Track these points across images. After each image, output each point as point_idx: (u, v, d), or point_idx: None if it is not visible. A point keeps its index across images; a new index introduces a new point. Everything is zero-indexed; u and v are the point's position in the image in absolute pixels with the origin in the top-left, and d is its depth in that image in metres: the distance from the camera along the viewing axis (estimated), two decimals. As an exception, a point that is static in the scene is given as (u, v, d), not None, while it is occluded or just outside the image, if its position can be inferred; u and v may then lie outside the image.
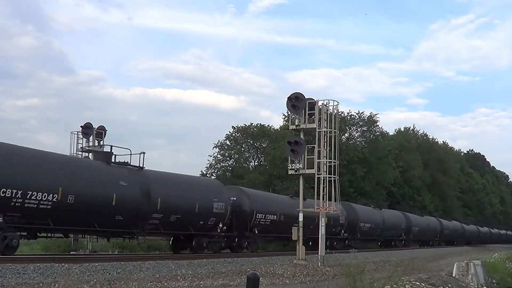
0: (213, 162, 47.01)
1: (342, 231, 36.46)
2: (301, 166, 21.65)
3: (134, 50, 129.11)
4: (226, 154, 47.84)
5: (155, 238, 28.34)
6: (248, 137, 48.23)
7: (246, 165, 47.96)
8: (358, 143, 57.27)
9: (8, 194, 16.85)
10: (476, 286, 15.15)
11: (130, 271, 15.54)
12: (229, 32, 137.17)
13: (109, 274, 14.85)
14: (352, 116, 56.97)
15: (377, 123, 58.58)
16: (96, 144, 28.00)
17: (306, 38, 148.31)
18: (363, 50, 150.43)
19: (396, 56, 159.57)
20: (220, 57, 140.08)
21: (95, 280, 13.29)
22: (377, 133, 59.22)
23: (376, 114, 58.77)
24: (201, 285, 13.25)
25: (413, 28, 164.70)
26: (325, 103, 22.18)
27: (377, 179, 56.34)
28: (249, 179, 41.03)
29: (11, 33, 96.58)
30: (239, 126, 48.53)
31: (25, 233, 18.65)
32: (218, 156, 47.36)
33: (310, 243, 31.30)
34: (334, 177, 21.64)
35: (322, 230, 21.82)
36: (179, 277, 14.91)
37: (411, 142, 73.21)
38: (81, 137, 27.72)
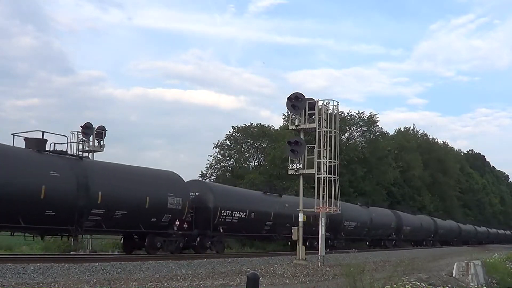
0: (213, 162, 47.04)
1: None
2: (301, 166, 21.66)
3: (134, 50, 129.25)
4: (226, 154, 47.83)
5: (99, 237, 26.12)
6: (248, 137, 48.23)
7: (246, 165, 47.96)
8: (358, 143, 57.27)
9: None
10: (476, 286, 15.15)
11: (130, 271, 15.54)
12: (229, 32, 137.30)
13: (109, 274, 14.86)
14: (352, 116, 57.02)
15: (377, 123, 58.65)
16: (96, 144, 28.05)
17: (306, 38, 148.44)
18: (363, 50, 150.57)
19: (396, 56, 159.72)
20: (220, 57, 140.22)
21: (95, 280, 13.30)
22: (377, 133, 59.24)
23: (376, 114, 58.86)
24: (201, 285, 13.25)
25: (413, 28, 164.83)
26: (325, 103, 22.19)
27: (377, 179, 56.35)
28: (249, 179, 41.05)
29: (11, 33, 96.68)
30: (239, 126, 48.57)
31: None
32: (218, 156, 47.38)
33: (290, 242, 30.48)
34: (334, 177, 21.65)
35: (322, 230, 21.84)
36: (179, 277, 14.91)
37: (411, 142, 73.23)
38: (81, 137, 27.74)
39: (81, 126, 27.81)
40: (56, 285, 12.11)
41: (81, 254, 23.75)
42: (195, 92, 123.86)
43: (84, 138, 27.87)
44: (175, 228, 23.01)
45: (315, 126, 21.80)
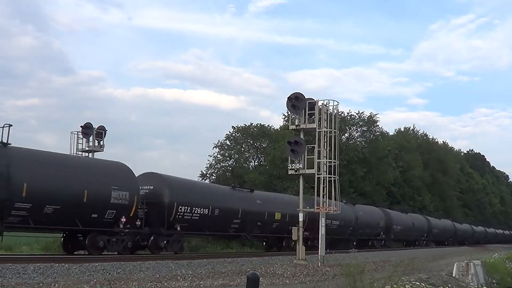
0: (213, 162, 47.09)
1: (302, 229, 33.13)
2: (301, 166, 21.65)
3: (134, 50, 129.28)
4: (226, 154, 47.87)
5: (27, 235, 23.26)
6: (248, 137, 48.27)
7: (246, 165, 47.99)
8: (358, 143, 57.35)
9: None
10: (476, 286, 15.14)
11: (130, 271, 15.54)
12: (229, 32, 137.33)
13: (109, 274, 14.86)
14: (352, 116, 57.11)
15: (377, 123, 58.80)
16: (96, 144, 28.03)
17: (306, 38, 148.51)
18: (363, 50, 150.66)
19: (396, 56, 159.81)
20: (220, 57, 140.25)
21: (95, 280, 13.29)
22: (377, 133, 59.33)
23: (376, 114, 58.99)
24: (201, 285, 13.24)
25: (413, 28, 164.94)
26: (325, 103, 22.19)
27: (377, 179, 56.40)
28: (249, 179, 41.07)
29: (11, 33, 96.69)
30: (239, 126, 48.63)
31: None
32: (218, 156, 47.42)
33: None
34: (334, 177, 21.65)
35: (322, 230, 21.83)
36: (179, 277, 14.91)
37: (411, 142, 73.28)
38: (81, 137, 27.74)
39: (81, 126, 27.78)
40: (56, 285, 12.11)
41: (81, 254, 23.71)
42: (195, 92, 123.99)
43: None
44: (121, 226, 20.70)
45: (315, 126, 21.80)
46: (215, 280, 14.44)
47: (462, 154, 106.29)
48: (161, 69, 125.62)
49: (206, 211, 24.46)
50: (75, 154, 27.09)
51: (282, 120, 50.36)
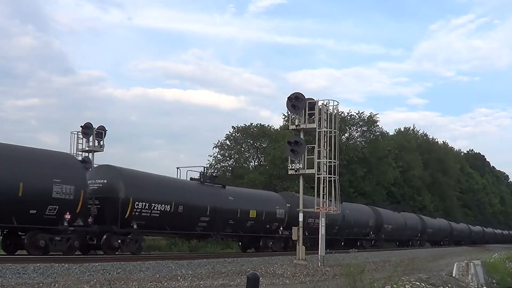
0: (213, 162, 47.14)
1: (281, 228, 29.05)
2: (301, 166, 21.66)
3: (134, 50, 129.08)
4: (226, 154, 47.91)
5: None
6: (248, 137, 48.30)
7: (246, 165, 48.03)
8: (358, 143, 57.39)
9: None
10: (476, 286, 15.14)
11: (130, 271, 15.55)
12: (229, 32, 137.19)
13: (109, 274, 14.86)
14: (352, 116, 57.16)
15: (377, 123, 58.85)
16: (96, 144, 28.07)
17: (306, 38, 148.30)
18: (363, 50, 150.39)
19: (396, 56, 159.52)
20: (220, 57, 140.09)
21: (95, 280, 13.30)
22: (377, 133, 59.37)
23: (376, 114, 59.05)
24: (201, 285, 13.25)
25: (413, 28, 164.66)
26: (325, 103, 22.20)
27: (377, 179, 56.42)
28: (249, 179, 41.09)
29: (11, 33, 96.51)
30: (239, 126, 48.68)
31: None
32: (218, 156, 47.48)
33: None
34: (334, 177, 21.66)
35: (322, 230, 21.83)
36: (179, 277, 14.91)
37: (411, 142, 73.33)
38: (81, 137, 27.77)
39: (81, 126, 27.84)
40: (56, 285, 12.11)
41: (81, 254, 23.72)
42: (195, 92, 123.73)
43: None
44: (65, 223, 18.66)
45: (315, 126, 21.81)
46: (215, 280, 14.44)
47: (462, 154, 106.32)
48: (161, 69, 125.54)
49: (168, 207, 22.34)
50: (75, 154, 27.12)
51: (282, 120, 50.49)
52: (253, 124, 48.85)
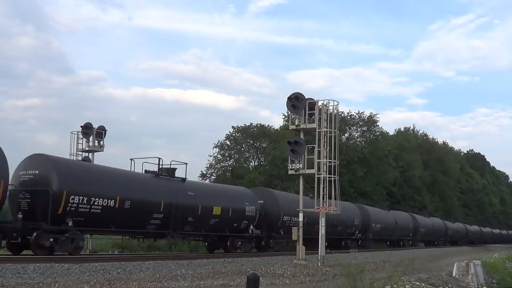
0: (213, 162, 47.13)
1: (252, 227, 26.84)
2: (301, 166, 21.66)
3: (134, 50, 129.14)
4: (226, 154, 47.91)
5: None
6: (248, 137, 48.30)
7: (246, 165, 48.03)
8: (358, 143, 57.42)
9: None
10: (476, 286, 15.14)
11: (130, 271, 15.55)
12: (229, 32, 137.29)
13: (109, 274, 14.87)
14: (352, 116, 57.17)
15: (377, 123, 58.86)
16: (96, 144, 28.09)
17: (305, 38, 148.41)
18: (362, 50, 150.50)
19: (395, 56, 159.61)
20: (220, 57, 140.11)
21: (95, 280, 13.30)
22: (377, 133, 59.37)
23: (376, 114, 59.07)
24: (201, 285, 13.25)
25: (412, 28, 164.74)
26: (325, 103, 22.22)
27: (377, 179, 56.43)
28: (249, 179, 41.10)
29: (11, 33, 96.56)
30: (239, 126, 48.66)
31: None
32: (218, 156, 47.46)
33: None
34: (334, 177, 21.66)
35: (322, 230, 21.84)
36: (179, 277, 14.92)
37: (411, 142, 73.36)
38: (81, 137, 27.79)
39: (81, 126, 27.87)
40: (56, 285, 12.12)
41: (81, 254, 23.72)
42: (195, 92, 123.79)
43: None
44: None
45: (315, 126, 21.82)
46: (215, 280, 14.45)
47: (462, 154, 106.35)
48: (161, 69, 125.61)
49: (112, 202, 19.86)
50: (75, 154, 27.17)
51: (282, 120, 50.50)
52: (253, 124, 48.90)
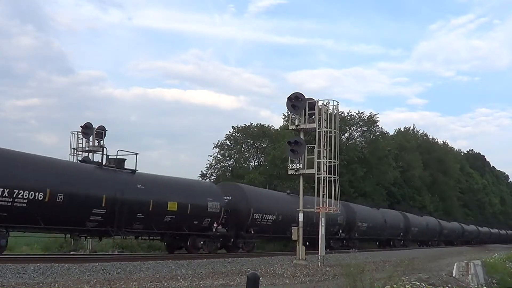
0: (213, 162, 47.16)
1: (215, 224, 24.92)
2: (301, 166, 21.67)
3: (134, 50, 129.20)
4: (226, 154, 47.93)
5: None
6: (248, 137, 48.32)
7: (246, 165, 48.04)
8: (358, 143, 57.42)
9: None
10: (476, 286, 15.15)
11: (130, 271, 15.55)
12: (229, 32, 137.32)
13: (109, 274, 14.87)
14: (352, 116, 57.18)
15: (377, 123, 58.87)
16: (96, 144, 28.07)
17: (305, 38, 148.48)
18: (362, 50, 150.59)
19: (395, 56, 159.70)
20: (220, 57, 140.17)
21: (95, 280, 13.30)
22: (377, 133, 59.38)
23: (376, 114, 59.08)
24: (201, 285, 13.26)
25: (412, 28, 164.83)
26: (325, 103, 22.22)
27: (377, 179, 56.44)
28: (249, 179, 41.09)
29: (11, 33, 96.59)
30: (239, 126, 48.71)
31: None
32: (218, 156, 47.49)
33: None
34: (334, 177, 21.67)
35: (322, 230, 21.83)
36: (179, 277, 14.92)
37: (411, 142, 73.36)
38: (81, 137, 27.77)
39: (81, 126, 27.83)
40: (56, 285, 12.12)
41: (81, 254, 23.73)
42: (195, 92, 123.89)
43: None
44: None
45: (315, 126, 21.82)
46: (215, 280, 14.45)
47: (462, 154, 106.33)
48: (161, 69, 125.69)
49: (41, 195, 17.57)
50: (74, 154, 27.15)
51: (282, 120, 50.50)
52: (253, 124, 48.93)
